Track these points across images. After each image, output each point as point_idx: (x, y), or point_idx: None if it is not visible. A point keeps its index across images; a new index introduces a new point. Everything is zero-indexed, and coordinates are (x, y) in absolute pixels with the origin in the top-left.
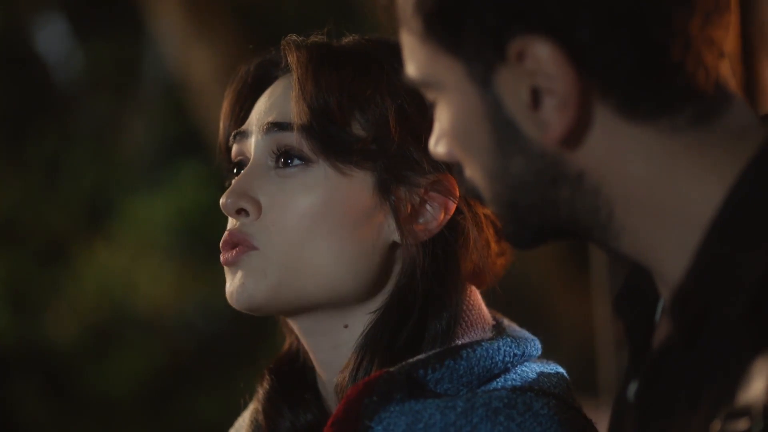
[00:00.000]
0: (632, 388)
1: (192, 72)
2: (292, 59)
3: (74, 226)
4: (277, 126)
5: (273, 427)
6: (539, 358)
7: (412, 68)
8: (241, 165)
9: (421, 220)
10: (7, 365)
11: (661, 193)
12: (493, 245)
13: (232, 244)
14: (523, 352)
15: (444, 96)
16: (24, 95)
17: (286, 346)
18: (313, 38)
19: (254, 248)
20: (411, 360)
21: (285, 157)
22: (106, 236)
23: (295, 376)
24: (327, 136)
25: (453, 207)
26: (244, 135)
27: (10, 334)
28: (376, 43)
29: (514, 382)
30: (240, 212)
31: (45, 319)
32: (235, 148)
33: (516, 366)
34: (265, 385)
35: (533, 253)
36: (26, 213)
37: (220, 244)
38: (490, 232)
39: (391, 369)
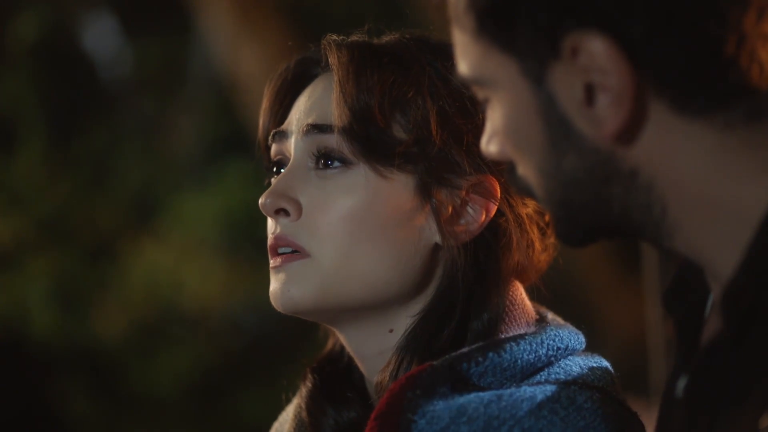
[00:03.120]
0: (681, 383)
1: (240, 70)
2: (332, 60)
3: (122, 224)
4: (317, 128)
5: (316, 425)
6: (584, 351)
7: (464, 66)
8: (280, 164)
9: (462, 222)
10: (55, 362)
11: (713, 190)
12: (537, 244)
13: (281, 248)
14: (567, 346)
15: (497, 94)
16: (72, 93)
17: (329, 345)
18: (353, 37)
19: (306, 255)
20: (454, 354)
21: (325, 158)
22: (153, 234)
23: (338, 375)
24: (368, 138)
25: (494, 209)
26: (283, 135)
27: (58, 332)
28: (417, 41)
29: (557, 376)
30: (279, 212)
31: (92, 317)
32: (274, 148)
33: (560, 359)
34: (308, 383)
35: (582, 251)
36: (74, 211)
37: (268, 249)
38: (533, 232)
39: (435, 363)
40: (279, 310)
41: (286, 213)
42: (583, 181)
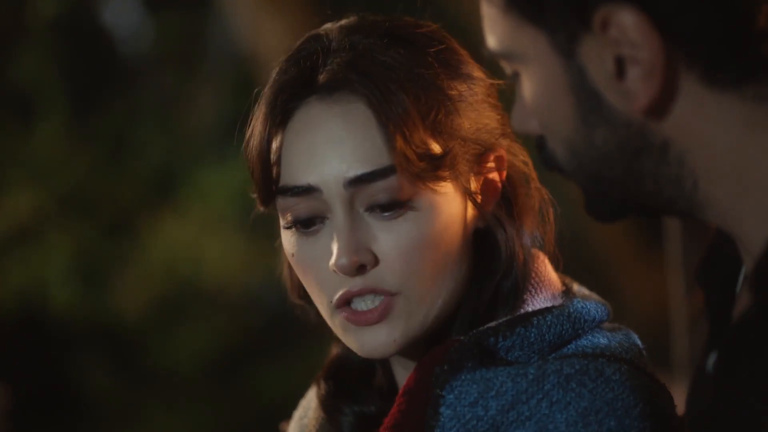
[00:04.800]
0: (711, 359)
1: (260, 44)
2: (361, 88)
3: (142, 199)
4: (362, 179)
5: (335, 422)
6: (611, 323)
7: (493, 41)
8: (312, 218)
9: (491, 198)
10: (74, 338)
11: (744, 162)
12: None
13: (359, 298)
14: (594, 318)
15: (526, 68)
16: (92, 68)
17: (334, 351)
18: (339, 54)
19: (396, 294)
20: (481, 328)
21: (381, 209)
22: (173, 210)
23: (352, 377)
24: (420, 171)
25: (504, 172)
26: (309, 191)
27: (77, 307)
28: (409, 43)
29: (585, 349)
30: (359, 269)
31: (112, 293)
32: (293, 200)
33: (587, 332)
34: (321, 391)
35: (604, 226)
36: (94, 186)
37: (336, 303)
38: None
39: (462, 338)
40: (377, 358)
41: (363, 266)
42: (614, 155)
